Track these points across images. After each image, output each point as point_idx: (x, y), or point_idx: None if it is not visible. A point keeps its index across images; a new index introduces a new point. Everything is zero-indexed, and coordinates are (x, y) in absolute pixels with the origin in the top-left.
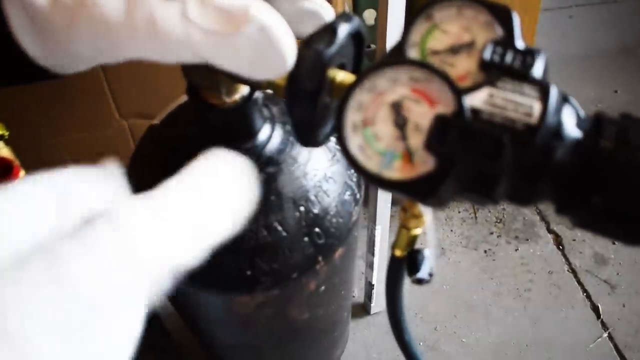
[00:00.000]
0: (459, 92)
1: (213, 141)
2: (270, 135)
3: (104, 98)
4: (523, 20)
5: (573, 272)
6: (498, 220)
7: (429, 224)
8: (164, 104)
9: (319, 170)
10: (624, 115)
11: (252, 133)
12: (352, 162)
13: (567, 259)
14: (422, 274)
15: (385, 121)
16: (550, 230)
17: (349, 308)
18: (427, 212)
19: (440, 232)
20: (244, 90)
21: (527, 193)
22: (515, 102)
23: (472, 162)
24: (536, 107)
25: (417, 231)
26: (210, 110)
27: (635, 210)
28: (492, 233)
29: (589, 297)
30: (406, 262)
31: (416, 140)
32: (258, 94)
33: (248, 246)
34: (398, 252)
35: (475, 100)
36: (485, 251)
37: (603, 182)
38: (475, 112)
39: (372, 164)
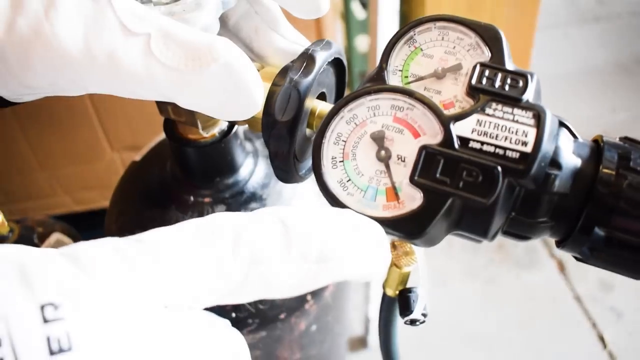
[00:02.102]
0: (445, 121)
1: (192, 177)
2: (253, 170)
3: (94, 130)
4: (519, 42)
5: (577, 299)
6: (499, 247)
7: (420, 261)
8: (156, 137)
9: (305, 206)
10: (625, 138)
11: (234, 168)
12: (331, 199)
13: (571, 286)
14: (415, 314)
15: (366, 154)
16: (552, 256)
17: (345, 344)
18: (417, 249)
19: (440, 261)
20: (222, 124)
21: (526, 228)
22: (508, 129)
23: (463, 196)
24: (530, 134)
25: (408, 269)
26: (188, 145)
27: None
28: (493, 260)
29: (594, 325)
30: (398, 302)
31: (401, 174)
32: (239, 128)
33: None
34: (389, 291)
35: (464, 128)
36: (486, 280)
37: (605, 212)
38: (464, 141)
39: (353, 201)
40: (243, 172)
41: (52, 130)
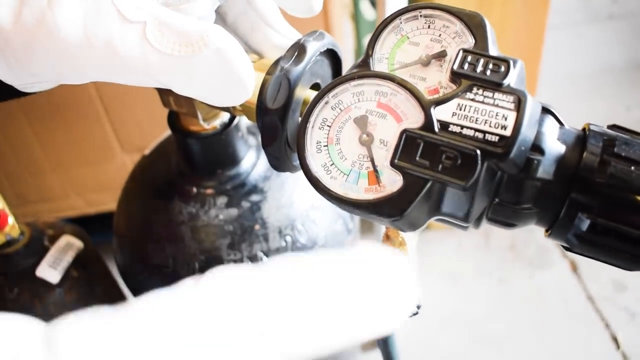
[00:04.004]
0: (426, 105)
1: (195, 169)
2: (255, 162)
3: (106, 133)
4: (529, 39)
5: (590, 299)
6: (511, 246)
7: (411, 252)
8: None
9: (306, 199)
10: (613, 126)
11: (235, 160)
12: (314, 183)
13: (583, 286)
14: None
15: (350, 138)
16: (565, 255)
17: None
18: (410, 240)
19: (452, 260)
20: (224, 117)
21: (510, 214)
22: (488, 113)
23: (442, 179)
24: (510, 118)
25: None
26: (190, 136)
27: (624, 232)
28: (505, 260)
29: (607, 326)
30: None
31: (383, 158)
32: (241, 121)
33: None
34: None
35: (445, 112)
36: (498, 279)
37: (589, 198)
38: (445, 125)
39: (336, 184)
40: (245, 165)
41: (63, 132)
